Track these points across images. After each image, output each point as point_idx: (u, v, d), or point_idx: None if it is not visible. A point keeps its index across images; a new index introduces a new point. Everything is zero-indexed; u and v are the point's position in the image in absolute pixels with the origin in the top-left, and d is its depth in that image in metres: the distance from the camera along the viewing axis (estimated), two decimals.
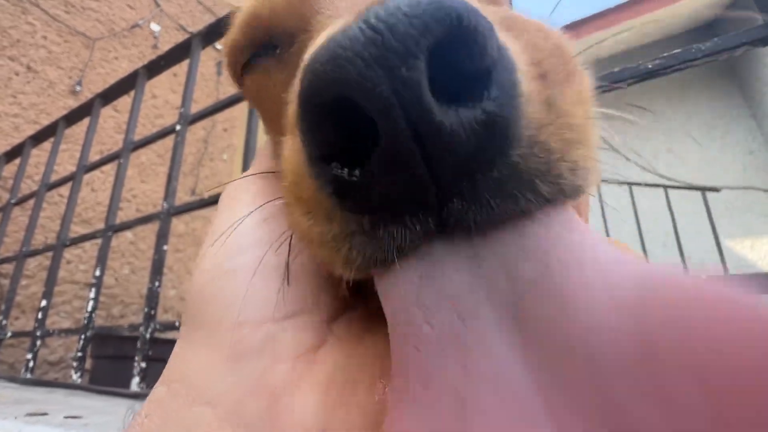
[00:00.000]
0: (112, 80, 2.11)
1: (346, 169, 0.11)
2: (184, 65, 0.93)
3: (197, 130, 2.40)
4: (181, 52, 0.90)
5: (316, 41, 0.13)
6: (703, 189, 3.75)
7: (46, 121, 1.77)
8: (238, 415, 0.14)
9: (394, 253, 0.12)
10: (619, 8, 4.50)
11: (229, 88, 2.73)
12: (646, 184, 4.20)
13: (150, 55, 2.28)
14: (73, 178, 0.99)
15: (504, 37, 0.12)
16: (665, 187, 3.87)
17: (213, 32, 0.85)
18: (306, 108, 0.11)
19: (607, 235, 3.98)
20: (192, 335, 0.17)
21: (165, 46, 2.38)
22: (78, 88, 1.91)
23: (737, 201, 4.54)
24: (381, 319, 0.17)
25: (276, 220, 0.18)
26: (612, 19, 4.55)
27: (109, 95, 1.04)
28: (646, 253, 3.72)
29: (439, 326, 0.11)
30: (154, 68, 0.94)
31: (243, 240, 0.18)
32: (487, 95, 0.10)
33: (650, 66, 0.37)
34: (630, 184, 4.05)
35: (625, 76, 0.37)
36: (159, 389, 0.16)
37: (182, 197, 2.27)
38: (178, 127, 0.77)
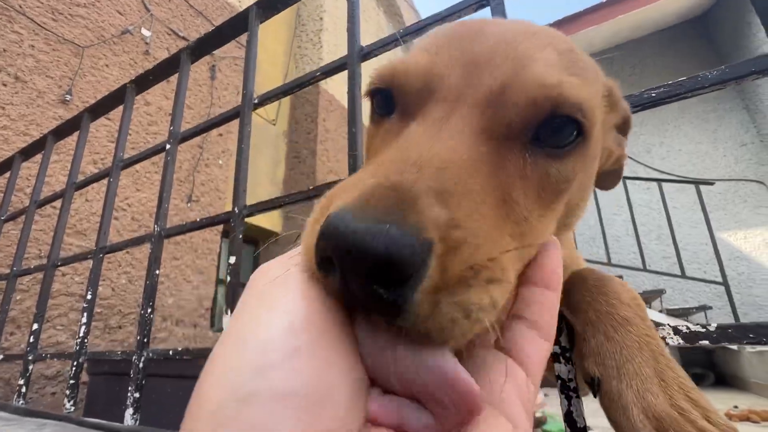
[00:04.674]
0: (103, 88, 2.09)
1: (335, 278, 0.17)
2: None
3: None
4: (169, 67, 0.88)
5: (332, 207, 0.17)
6: (697, 182, 3.76)
7: (36, 133, 1.74)
8: None
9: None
10: (611, 2, 4.48)
11: (224, 93, 2.70)
12: (640, 178, 4.21)
13: (142, 62, 2.25)
14: (62, 196, 0.97)
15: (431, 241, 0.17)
16: (659, 180, 3.88)
17: (202, 46, 0.82)
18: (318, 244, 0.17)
19: (602, 228, 4.00)
20: None
21: (157, 52, 2.34)
22: (68, 97, 1.88)
23: (730, 193, 4.56)
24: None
25: (317, 324, 0.17)
26: (605, 14, 4.53)
27: (97, 110, 1.02)
28: (641, 246, 3.73)
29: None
30: (143, 83, 0.92)
31: (270, 356, 0.15)
32: (395, 293, 0.16)
33: (654, 94, 0.35)
34: (624, 177, 4.05)
35: (631, 103, 0.36)
36: None
37: (179, 204, 2.25)
38: (167, 146, 0.76)
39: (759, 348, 3.23)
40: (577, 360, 0.30)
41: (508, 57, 0.23)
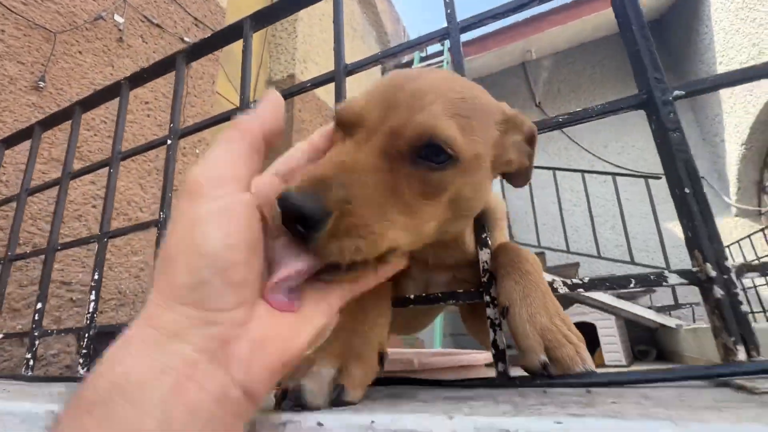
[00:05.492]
0: (77, 75, 2.07)
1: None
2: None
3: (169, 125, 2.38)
4: (163, 67, 0.95)
5: (287, 185, 0.31)
6: (647, 176, 4.09)
7: (9, 120, 1.73)
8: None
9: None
10: (576, 4, 4.71)
11: (199, 81, 2.71)
12: (597, 172, 4.51)
13: (115, 49, 2.23)
14: (58, 184, 1.03)
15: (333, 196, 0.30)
16: (614, 174, 4.18)
17: (197, 50, 0.91)
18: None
19: (562, 218, 4.27)
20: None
21: (131, 39, 2.32)
22: (41, 84, 1.86)
23: None
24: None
25: (244, 238, 0.28)
26: (570, 15, 4.76)
27: (89, 103, 1.07)
28: (596, 235, 4.03)
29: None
30: (137, 80, 0.99)
31: (217, 260, 0.27)
32: (308, 232, 0.29)
33: (561, 120, 0.49)
34: (583, 171, 4.35)
35: (541, 126, 0.50)
36: (140, 331, 0.24)
37: (156, 193, 2.27)
38: (169, 141, 0.84)
39: (693, 326, 3.61)
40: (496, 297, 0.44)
41: (409, 106, 0.36)
